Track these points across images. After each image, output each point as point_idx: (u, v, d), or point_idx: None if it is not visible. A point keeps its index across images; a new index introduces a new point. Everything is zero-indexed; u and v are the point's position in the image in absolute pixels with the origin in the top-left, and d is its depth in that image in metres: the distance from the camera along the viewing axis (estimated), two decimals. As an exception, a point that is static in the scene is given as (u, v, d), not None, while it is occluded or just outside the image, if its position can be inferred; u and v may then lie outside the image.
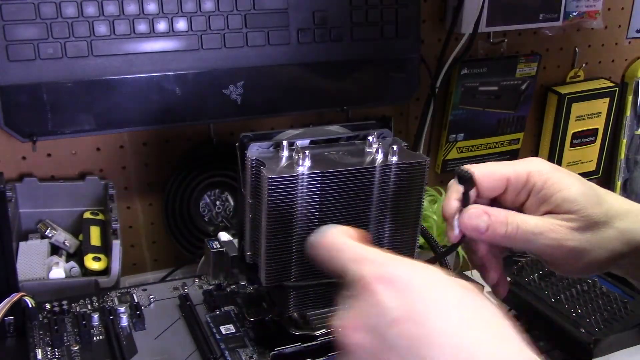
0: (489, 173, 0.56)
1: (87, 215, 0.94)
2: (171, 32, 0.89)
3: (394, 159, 0.64)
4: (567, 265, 0.55)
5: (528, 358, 0.39)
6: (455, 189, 0.56)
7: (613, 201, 0.56)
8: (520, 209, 0.56)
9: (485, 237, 0.53)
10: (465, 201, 0.55)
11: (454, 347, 0.37)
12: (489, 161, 1.23)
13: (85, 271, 0.86)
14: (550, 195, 0.54)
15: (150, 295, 0.77)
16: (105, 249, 0.88)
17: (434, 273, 0.41)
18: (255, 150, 0.63)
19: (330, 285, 0.62)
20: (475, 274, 1.13)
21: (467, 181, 0.54)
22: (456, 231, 0.54)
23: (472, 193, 0.55)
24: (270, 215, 0.60)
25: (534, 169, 0.55)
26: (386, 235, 0.66)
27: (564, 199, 0.54)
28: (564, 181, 0.55)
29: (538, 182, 0.55)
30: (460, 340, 0.37)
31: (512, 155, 1.26)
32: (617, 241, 0.55)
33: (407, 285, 0.40)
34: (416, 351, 0.38)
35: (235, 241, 0.80)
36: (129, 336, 0.70)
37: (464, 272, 1.12)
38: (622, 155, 1.37)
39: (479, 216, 0.53)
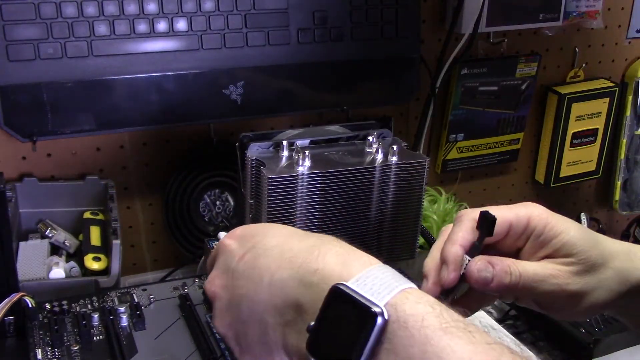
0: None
1: (87, 215, 0.94)
2: (171, 32, 0.89)
3: (394, 159, 0.64)
4: (567, 310, 0.55)
5: (322, 243, 0.46)
6: (463, 235, 0.54)
7: (608, 243, 0.57)
8: (516, 255, 0.56)
9: (490, 288, 0.52)
10: (476, 249, 0.53)
11: (280, 251, 0.47)
12: (489, 161, 1.24)
13: (85, 271, 0.86)
14: (550, 239, 0.54)
15: (150, 295, 0.77)
16: (105, 249, 0.88)
17: (270, 223, 0.53)
18: (255, 150, 0.63)
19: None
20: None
21: (489, 227, 0.52)
22: (452, 275, 0.53)
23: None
24: (271, 215, 0.60)
25: (534, 213, 0.55)
26: (386, 235, 0.66)
27: (563, 243, 0.54)
28: (562, 225, 0.55)
29: (538, 226, 0.55)
30: (283, 246, 0.48)
31: (512, 156, 1.26)
32: (614, 281, 0.55)
33: (247, 233, 0.51)
34: (255, 266, 0.48)
35: (235, 241, 0.80)
36: (129, 336, 0.70)
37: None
38: (622, 155, 1.37)
39: (487, 268, 0.52)
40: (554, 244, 0.54)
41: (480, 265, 0.52)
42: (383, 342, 0.39)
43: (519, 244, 0.56)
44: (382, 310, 0.39)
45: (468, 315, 0.49)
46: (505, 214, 0.54)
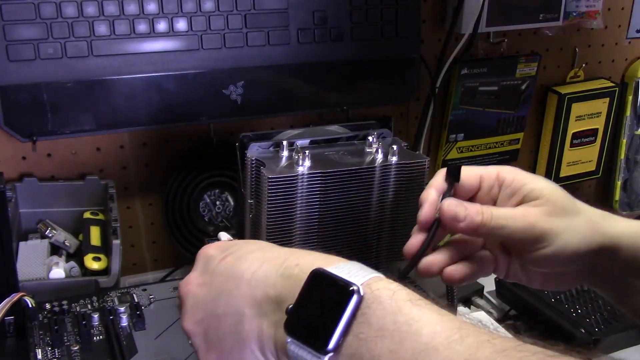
0: (466, 170, 0.60)
1: (87, 215, 0.94)
2: (171, 32, 0.89)
3: (394, 159, 0.64)
4: (536, 253, 0.55)
5: (300, 250, 0.50)
6: (437, 181, 0.58)
7: (582, 203, 0.59)
8: (492, 205, 0.59)
9: (462, 225, 0.55)
10: (447, 193, 0.57)
11: (262, 254, 0.50)
12: (489, 161, 1.24)
13: (85, 271, 0.86)
14: (519, 187, 0.57)
15: (150, 295, 0.77)
16: (105, 249, 0.88)
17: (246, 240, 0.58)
18: (255, 150, 0.63)
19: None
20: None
21: (455, 175, 0.57)
22: (425, 211, 0.56)
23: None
24: (271, 215, 0.60)
25: (503, 168, 0.60)
26: (386, 235, 0.66)
27: (532, 189, 0.57)
28: (530, 176, 0.59)
29: (508, 177, 0.59)
30: (265, 251, 0.51)
31: (512, 155, 1.26)
32: (585, 228, 0.56)
33: (226, 244, 0.54)
34: (236, 265, 0.50)
35: (235, 241, 0.80)
36: (129, 336, 0.70)
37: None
38: (622, 155, 1.37)
39: (457, 205, 0.55)
40: (523, 190, 0.57)
41: (452, 202, 0.56)
42: (357, 317, 0.42)
43: (492, 194, 0.59)
44: (358, 288, 0.42)
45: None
46: (475, 169, 0.60)
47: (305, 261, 0.47)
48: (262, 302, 0.48)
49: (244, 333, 0.48)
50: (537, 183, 0.57)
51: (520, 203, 0.57)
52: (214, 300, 0.51)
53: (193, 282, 0.53)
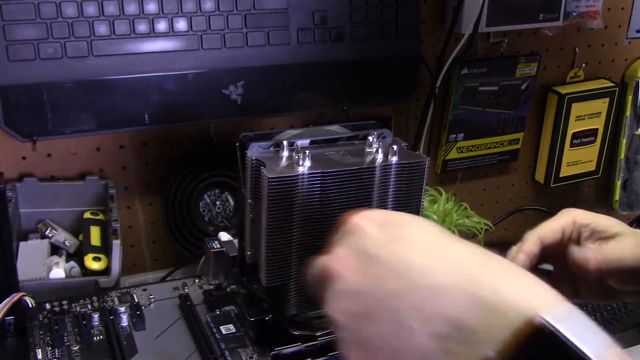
0: (548, 227, 0.66)
1: (87, 215, 0.94)
2: (171, 32, 0.89)
3: (394, 159, 0.64)
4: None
5: (484, 253, 0.42)
6: (528, 247, 0.65)
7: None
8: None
9: (592, 266, 0.60)
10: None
11: (438, 251, 0.41)
12: (489, 161, 1.24)
13: (85, 271, 0.86)
14: (596, 227, 0.63)
15: (150, 295, 0.77)
16: (105, 249, 0.88)
17: (409, 215, 0.46)
18: (255, 150, 0.63)
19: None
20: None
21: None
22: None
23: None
24: (271, 215, 0.60)
25: (576, 215, 0.65)
26: (386, 235, 0.66)
27: (608, 226, 0.63)
28: (599, 216, 0.65)
29: (583, 221, 0.64)
30: (441, 246, 0.42)
31: (512, 155, 1.26)
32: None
33: (389, 220, 0.44)
34: (405, 260, 0.41)
35: (235, 241, 0.80)
36: (129, 336, 0.70)
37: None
38: (622, 155, 1.37)
39: (583, 251, 0.61)
40: (601, 229, 0.63)
41: (577, 249, 0.61)
42: None
43: (573, 240, 0.64)
44: None
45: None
46: (553, 223, 0.65)
47: (506, 285, 0.37)
48: (435, 320, 0.38)
49: (407, 351, 0.39)
50: (606, 221, 0.63)
51: (599, 239, 0.63)
52: (371, 296, 0.41)
53: (344, 263, 0.43)
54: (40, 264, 0.85)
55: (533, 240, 0.64)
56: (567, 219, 0.65)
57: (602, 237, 0.63)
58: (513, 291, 0.36)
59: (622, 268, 0.61)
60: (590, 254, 0.60)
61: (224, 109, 0.95)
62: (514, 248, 0.65)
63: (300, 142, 0.65)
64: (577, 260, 0.60)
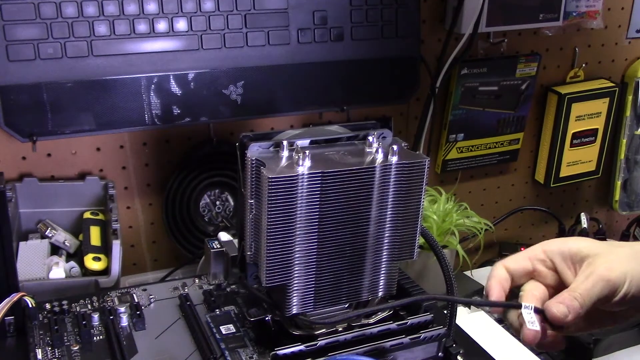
0: (515, 261, 0.63)
1: (87, 215, 0.94)
2: (171, 32, 0.89)
3: (394, 159, 0.64)
4: (618, 299, 0.59)
5: None
6: (499, 273, 0.63)
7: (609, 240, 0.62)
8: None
9: (570, 318, 0.58)
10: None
11: None
12: (489, 161, 1.24)
13: (85, 271, 0.86)
14: (572, 254, 0.61)
15: (150, 295, 0.77)
16: (105, 249, 0.88)
17: None
18: (255, 150, 0.63)
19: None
20: (474, 273, 1.13)
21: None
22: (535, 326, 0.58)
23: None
24: (271, 215, 0.60)
25: (545, 244, 0.63)
26: (386, 235, 0.66)
27: (579, 250, 0.61)
28: (569, 240, 0.63)
29: (554, 249, 0.62)
30: None
31: (512, 155, 1.26)
32: (632, 255, 0.60)
33: None
34: None
35: (235, 241, 0.80)
36: (129, 336, 0.70)
37: (464, 272, 1.12)
38: (622, 155, 1.37)
39: (558, 305, 0.58)
40: (577, 256, 0.61)
41: (553, 303, 0.58)
42: None
43: (549, 269, 0.63)
44: None
45: None
46: (520, 256, 0.63)
47: None
48: None
49: None
50: (578, 243, 0.62)
51: (574, 265, 0.61)
52: None
53: None
54: (40, 264, 0.85)
55: (498, 267, 0.62)
56: (535, 248, 0.63)
57: (573, 261, 0.61)
58: None
59: (602, 300, 0.59)
60: (563, 305, 0.58)
61: (224, 109, 0.95)
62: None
63: (300, 142, 0.65)
64: (555, 319, 0.58)
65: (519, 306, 0.59)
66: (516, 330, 0.60)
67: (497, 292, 0.61)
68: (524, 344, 0.59)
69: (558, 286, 0.62)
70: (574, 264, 0.61)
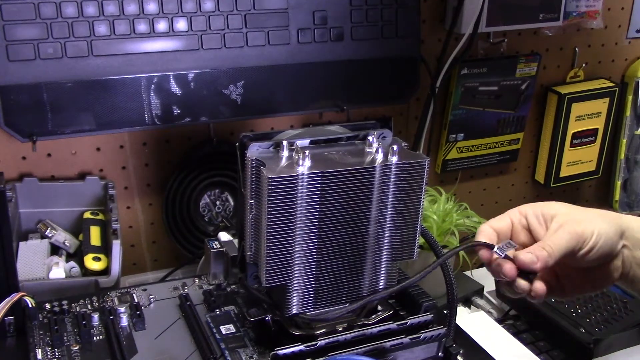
0: (499, 221, 0.66)
1: (87, 215, 0.94)
2: (171, 32, 0.89)
3: (394, 159, 0.64)
4: (585, 251, 0.62)
5: None
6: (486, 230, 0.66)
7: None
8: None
9: (539, 266, 0.61)
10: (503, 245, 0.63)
11: None
12: (489, 161, 1.24)
13: (85, 271, 0.86)
14: (540, 213, 0.65)
15: (150, 295, 0.77)
16: (105, 249, 0.88)
17: None
18: (255, 150, 0.63)
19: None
20: (474, 273, 1.13)
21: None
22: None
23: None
24: (271, 215, 0.60)
25: (521, 207, 0.67)
26: (386, 235, 0.66)
27: (548, 209, 0.65)
28: (541, 203, 0.67)
29: (528, 211, 0.66)
30: None
31: (512, 155, 1.26)
32: (600, 216, 0.64)
33: None
34: None
35: (235, 241, 0.80)
36: (129, 336, 0.70)
37: (464, 272, 1.12)
38: (622, 155, 1.37)
39: (526, 254, 0.61)
40: (545, 214, 0.65)
41: (522, 253, 0.61)
42: None
43: (524, 227, 0.66)
44: None
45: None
46: (503, 217, 0.67)
47: None
48: None
49: None
50: (550, 204, 0.66)
51: (545, 222, 0.65)
52: None
53: None
54: (40, 264, 0.85)
55: (484, 226, 0.66)
56: (513, 210, 0.67)
57: (545, 219, 0.65)
58: None
59: (570, 252, 0.62)
60: (531, 255, 0.61)
61: (224, 109, 0.95)
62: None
63: (300, 142, 0.65)
64: (524, 264, 0.61)
65: (492, 246, 0.62)
66: (492, 272, 0.64)
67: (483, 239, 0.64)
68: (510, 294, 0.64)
69: (531, 243, 0.65)
70: (545, 221, 0.65)
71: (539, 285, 0.62)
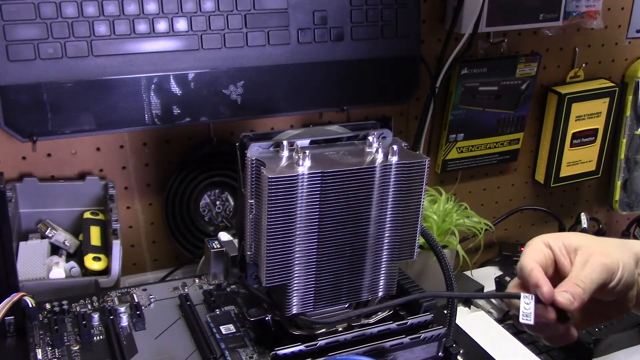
0: (538, 256, 0.63)
1: (87, 215, 0.94)
2: (171, 32, 0.89)
3: (394, 159, 0.64)
4: (613, 284, 0.61)
5: None
6: (530, 261, 0.63)
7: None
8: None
9: (576, 305, 0.58)
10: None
11: None
12: (489, 161, 1.24)
13: (85, 271, 0.86)
14: (564, 247, 0.63)
15: (150, 295, 0.77)
16: (105, 249, 0.88)
17: None
18: (255, 150, 0.63)
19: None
20: (474, 273, 1.13)
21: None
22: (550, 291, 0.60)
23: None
24: (271, 215, 0.60)
25: (544, 239, 0.64)
26: (386, 235, 0.66)
27: (569, 243, 0.63)
28: (560, 234, 0.65)
29: (554, 246, 0.63)
30: None
31: (512, 155, 1.26)
32: (619, 246, 0.63)
33: None
34: None
35: (235, 241, 0.80)
36: (129, 336, 0.70)
37: (464, 272, 1.12)
38: (622, 155, 1.37)
39: (564, 294, 0.59)
40: (569, 248, 0.63)
41: (561, 293, 0.59)
42: None
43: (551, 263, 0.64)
44: None
45: None
46: (531, 257, 0.63)
47: None
48: None
49: None
50: (570, 235, 0.64)
51: (569, 254, 0.63)
52: None
53: None
54: (40, 264, 0.85)
55: (531, 263, 0.62)
56: (536, 242, 0.64)
57: (568, 251, 0.63)
58: None
59: (602, 285, 0.60)
60: (567, 293, 0.58)
61: (224, 109, 0.95)
62: (513, 281, 0.64)
63: (300, 142, 0.65)
64: (562, 306, 0.58)
65: (518, 296, 0.59)
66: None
67: (542, 276, 0.61)
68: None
69: (557, 277, 0.63)
70: (569, 253, 0.63)
71: (570, 329, 0.61)
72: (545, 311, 0.59)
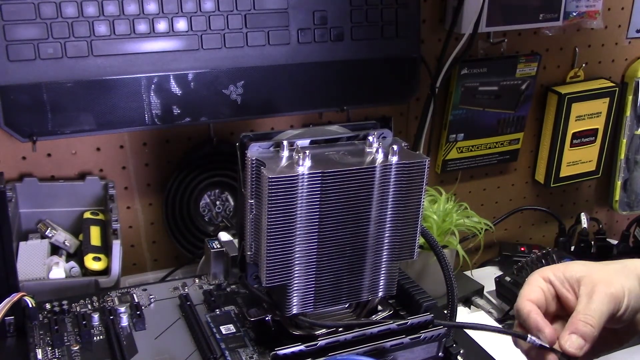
0: (534, 295, 0.61)
1: (87, 215, 0.94)
2: (171, 32, 0.89)
3: (394, 159, 0.64)
4: (622, 311, 0.59)
5: None
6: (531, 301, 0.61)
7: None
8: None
9: (587, 347, 0.57)
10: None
11: None
12: (489, 161, 1.24)
13: (85, 271, 0.86)
14: (567, 278, 0.61)
15: (150, 295, 0.77)
16: (105, 249, 0.88)
17: None
18: (255, 150, 0.63)
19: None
20: (474, 273, 1.13)
21: None
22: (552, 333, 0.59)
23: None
24: (271, 215, 0.60)
25: (544, 274, 0.63)
26: (386, 235, 0.66)
27: (573, 274, 0.62)
28: (562, 265, 0.63)
29: (545, 274, 0.62)
30: None
31: (512, 155, 1.26)
32: (622, 270, 0.61)
33: None
34: None
35: (235, 241, 0.80)
36: (129, 336, 0.70)
37: (464, 272, 1.12)
38: (622, 155, 1.37)
39: (576, 340, 0.57)
40: (573, 278, 0.61)
41: (571, 340, 0.57)
42: None
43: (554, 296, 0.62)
44: None
45: None
46: (532, 290, 0.62)
47: None
48: None
49: None
50: (569, 266, 0.62)
51: (572, 287, 0.61)
52: None
53: None
54: (40, 264, 0.85)
55: (526, 304, 0.61)
56: (535, 277, 0.63)
57: (570, 283, 0.61)
58: None
59: (611, 316, 0.59)
60: (576, 336, 0.57)
61: (224, 109, 0.95)
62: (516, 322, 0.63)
63: (300, 142, 0.65)
64: (572, 354, 0.57)
65: (524, 337, 0.59)
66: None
67: (541, 319, 0.60)
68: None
69: (558, 312, 0.62)
70: (571, 286, 0.61)
71: None
72: (550, 353, 0.58)
